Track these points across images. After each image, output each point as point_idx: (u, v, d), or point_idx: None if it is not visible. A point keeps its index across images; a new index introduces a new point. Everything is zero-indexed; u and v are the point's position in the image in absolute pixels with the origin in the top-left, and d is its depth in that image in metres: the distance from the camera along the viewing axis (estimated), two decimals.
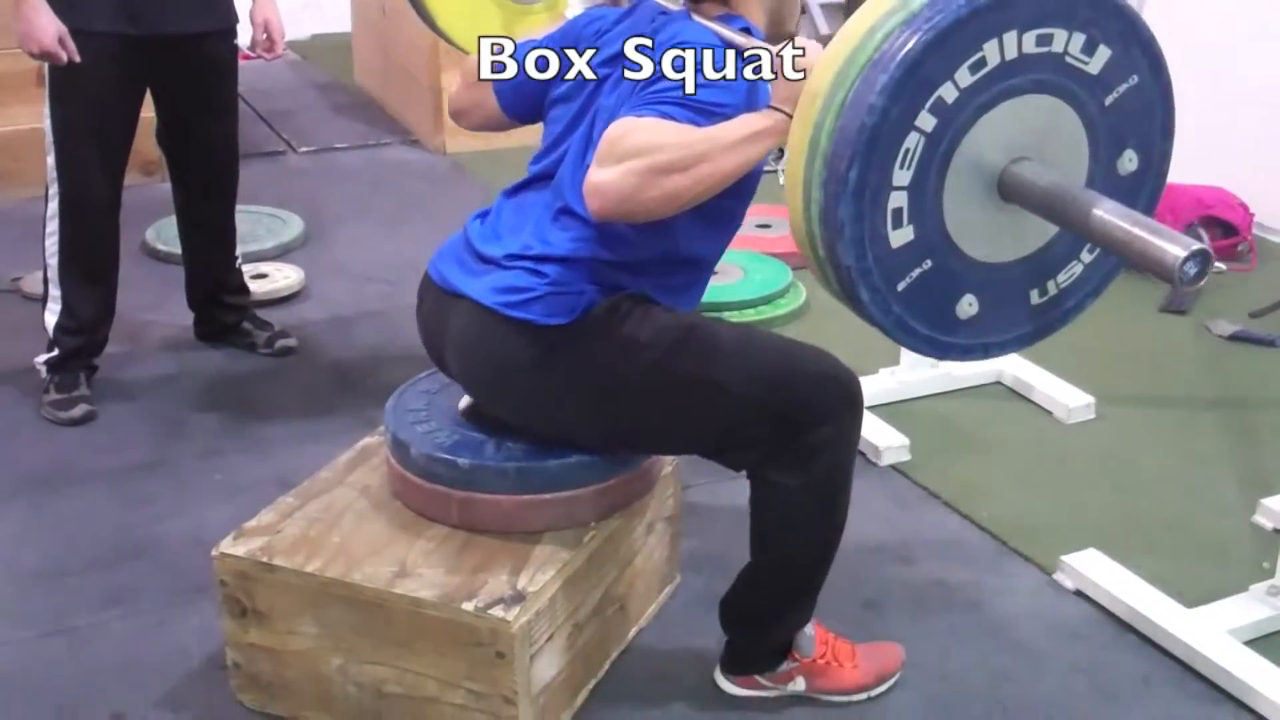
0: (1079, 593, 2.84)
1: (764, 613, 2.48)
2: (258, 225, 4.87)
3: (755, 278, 4.26)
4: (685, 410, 2.29)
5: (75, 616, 2.82)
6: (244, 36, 3.73)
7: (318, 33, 7.91)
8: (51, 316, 3.63)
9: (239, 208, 4.85)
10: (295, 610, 2.41)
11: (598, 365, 2.27)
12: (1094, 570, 2.85)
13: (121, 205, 3.64)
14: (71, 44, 3.30)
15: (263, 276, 4.40)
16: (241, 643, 2.49)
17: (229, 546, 2.45)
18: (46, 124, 3.48)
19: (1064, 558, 2.89)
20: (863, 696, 2.52)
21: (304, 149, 6.05)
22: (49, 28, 3.27)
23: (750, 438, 2.29)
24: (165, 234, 4.56)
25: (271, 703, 2.51)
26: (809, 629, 2.48)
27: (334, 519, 2.52)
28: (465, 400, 2.58)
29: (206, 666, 2.64)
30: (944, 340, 2.19)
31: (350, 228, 5.06)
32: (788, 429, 2.26)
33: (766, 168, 5.62)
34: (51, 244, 3.58)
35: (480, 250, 2.38)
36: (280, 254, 4.71)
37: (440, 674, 2.32)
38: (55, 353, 3.64)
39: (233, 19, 3.64)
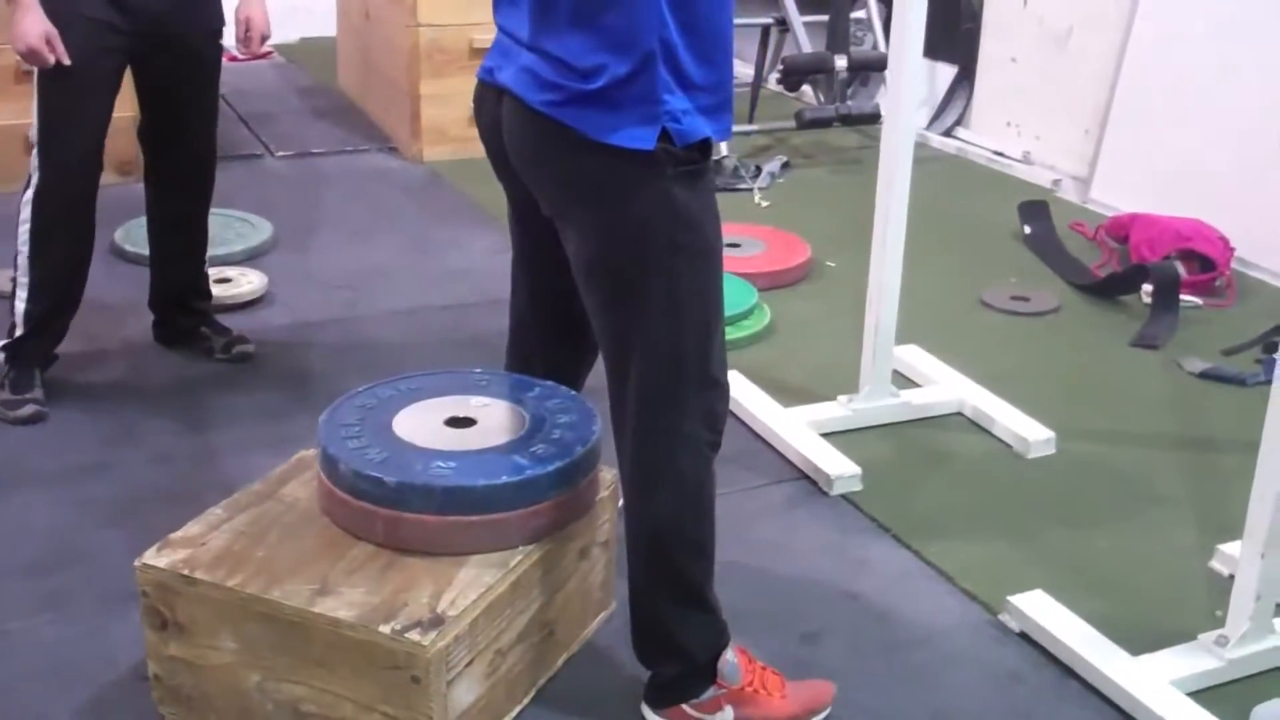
0: (1024, 635, 2.79)
1: (663, 630, 2.44)
2: (227, 229, 4.83)
3: None
4: (646, 300, 2.28)
5: (6, 620, 2.78)
6: (230, 37, 3.73)
7: (306, 36, 7.87)
8: (20, 304, 3.61)
9: (210, 210, 4.84)
10: (215, 625, 2.37)
11: (630, 199, 2.23)
12: (1039, 612, 2.80)
13: (94, 200, 3.62)
14: (60, 46, 3.33)
15: (226, 281, 4.36)
16: (162, 655, 2.45)
17: (151, 557, 2.41)
18: (34, 110, 3.48)
19: (1010, 598, 2.84)
20: None
21: (282, 153, 6.01)
22: (35, 27, 3.30)
23: (648, 379, 2.30)
24: (134, 235, 4.52)
25: (191, 716, 2.47)
26: (730, 655, 2.44)
27: (260, 533, 2.48)
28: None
29: (130, 677, 2.60)
30: None
31: (321, 234, 5.01)
32: (671, 398, 2.31)
33: (742, 185, 5.67)
34: (24, 231, 3.56)
35: (510, 31, 2.33)
36: (247, 258, 4.66)
37: (357, 696, 2.28)
38: (16, 335, 3.61)
39: (220, 20, 3.66)
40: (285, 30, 7.77)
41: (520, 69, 2.26)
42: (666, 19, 2.13)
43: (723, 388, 2.40)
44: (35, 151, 3.50)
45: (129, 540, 2.93)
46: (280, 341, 4.10)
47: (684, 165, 2.22)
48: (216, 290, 4.23)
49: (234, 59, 7.60)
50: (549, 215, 2.36)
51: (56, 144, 3.49)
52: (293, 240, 4.91)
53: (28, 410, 3.54)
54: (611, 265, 2.30)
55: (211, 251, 4.50)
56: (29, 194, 3.53)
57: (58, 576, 2.92)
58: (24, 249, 3.58)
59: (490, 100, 2.38)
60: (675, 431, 2.33)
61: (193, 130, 3.75)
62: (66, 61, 3.34)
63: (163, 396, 3.73)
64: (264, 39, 3.75)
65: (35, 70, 3.45)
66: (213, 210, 4.85)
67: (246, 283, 4.38)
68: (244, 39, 3.73)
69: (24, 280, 3.59)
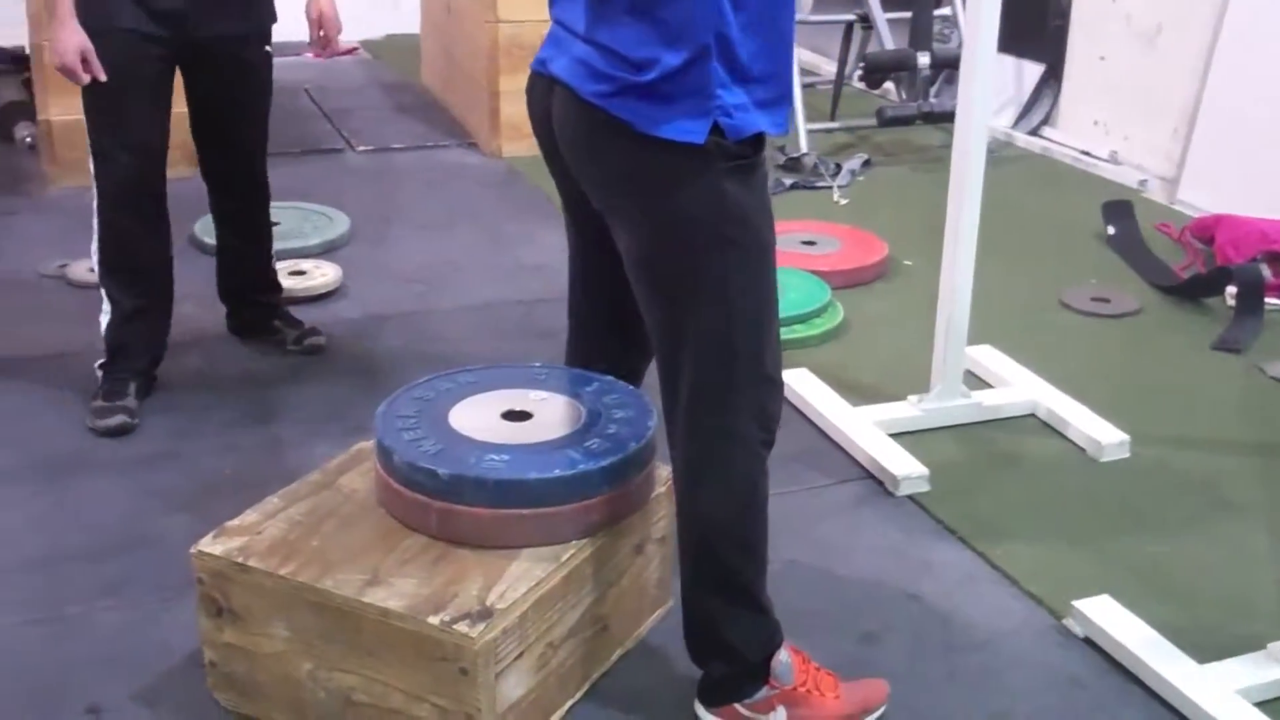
0: (1088, 640, 2.74)
1: (714, 629, 2.42)
2: (304, 222, 4.87)
3: (793, 295, 4.18)
4: (697, 296, 2.24)
5: (67, 605, 2.81)
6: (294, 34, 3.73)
7: (392, 32, 7.91)
8: (104, 317, 3.63)
9: (289, 204, 4.89)
10: (268, 613, 2.38)
11: (680, 194, 2.20)
12: (1105, 618, 2.74)
13: (163, 203, 3.62)
14: (96, 63, 3.31)
15: (301, 273, 4.39)
16: (217, 642, 2.46)
17: (207, 545, 2.43)
18: (87, 128, 3.49)
19: (1076, 603, 2.79)
20: None
21: (362, 148, 6.05)
22: (70, 42, 3.28)
23: (701, 376, 2.27)
24: (211, 227, 4.55)
25: (245, 703, 2.48)
26: (784, 655, 2.41)
27: (316, 523, 2.48)
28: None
29: (186, 664, 2.61)
30: None
31: (396, 228, 5.04)
32: (723, 396, 2.28)
33: (821, 183, 5.62)
34: (93, 247, 3.59)
35: (565, 22, 2.30)
36: (323, 251, 4.70)
37: (406, 686, 2.28)
38: (105, 359, 3.62)
39: (266, 22, 3.63)
40: (371, 27, 7.87)
41: (573, 60, 2.24)
42: (725, 13, 2.11)
43: (777, 385, 2.36)
44: (91, 164, 3.51)
45: (191, 528, 2.93)
46: (351, 334, 4.12)
47: (735, 159, 2.19)
48: (291, 282, 4.27)
49: (317, 56, 7.69)
50: (599, 209, 2.35)
51: (109, 156, 3.48)
52: (369, 234, 4.94)
53: (116, 420, 3.50)
54: (661, 261, 2.27)
55: (288, 244, 4.55)
56: (95, 204, 3.54)
57: (119, 562, 2.95)
58: (97, 265, 3.60)
59: (542, 91, 2.36)
60: (727, 429, 2.30)
61: (239, 134, 3.73)
62: (102, 78, 3.32)
63: (233, 387, 3.76)
64: (339, 34, 3.73)
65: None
66: (290, 204, 4.93)
67: (321, 275, 4.41)
68: (319, 39, 3.72)
69: (101, 293, 3.62)
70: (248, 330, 4.03)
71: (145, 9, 3.35)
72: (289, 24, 3.82)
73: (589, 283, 2.60)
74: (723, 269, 2.22)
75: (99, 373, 3.62)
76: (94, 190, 3.52)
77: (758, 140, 2.22)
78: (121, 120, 3.45)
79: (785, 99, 2.26)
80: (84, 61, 3.30)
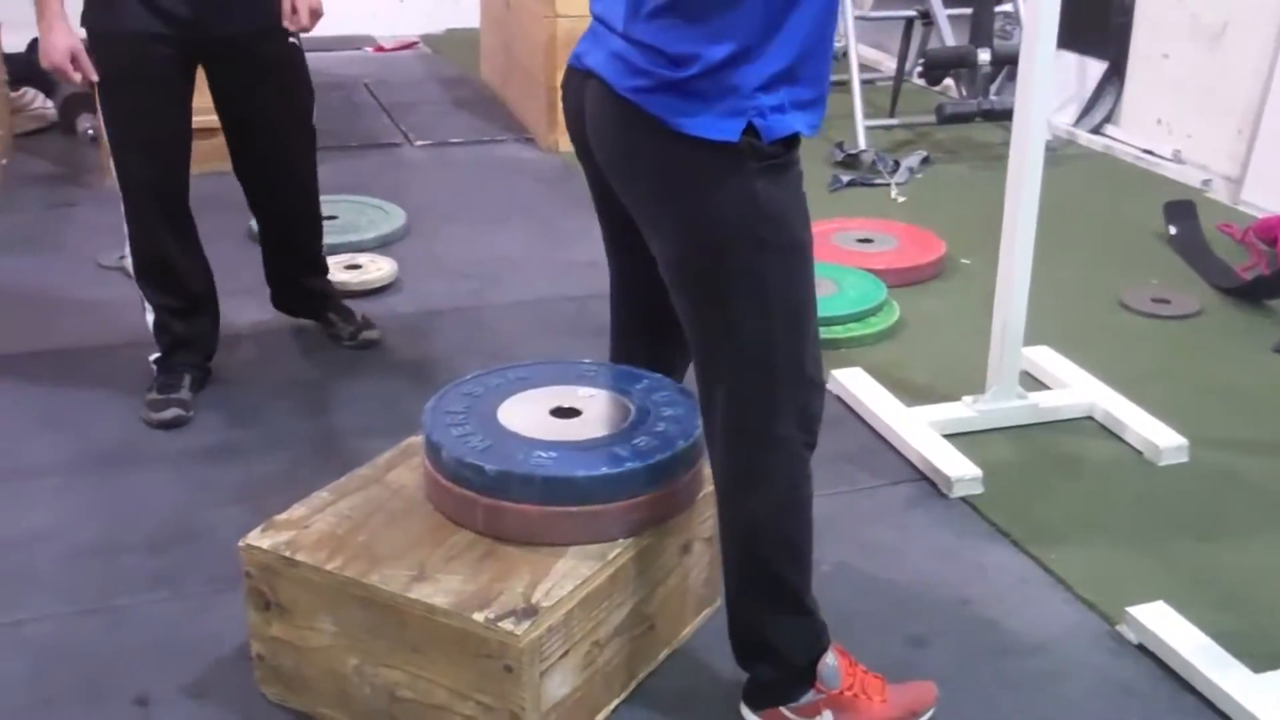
0: (1141, 647, 2.70)
1: (759, 633, 2.40)
2: (361, 216, 4.89)
3: (849, 294, 4.16)
4: (733, 300, 2.22)
5: (119, 595, 2.84)
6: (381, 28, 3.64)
7: (452, 27, 7.93)
8: (149, 316, 3.63)
9: (345, 198, 4.91)
10: (315, 607, 2.38)
11: (711, 195, 2.17)
12: (1160, 624, 2.70)
13: (187, 203, 3.60)
14: (86, 63, 3.27)
15: (357, 267, 4.40)
16: (265, 635, 2.47)
17: (255, 538, 2.43)
18: (106, 133, 3.49)
19: (1130, 609, 2.75)
20: None
21: (420, 142, 6.06)
22: (59, 44, 3.24)
23: (740, 379, 2.25)
24: None
25: (292, 696, 2.49)
26: (831, 658, 2.38)
27: (364, 517, 2.48)
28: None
29: (235, 656, 2.63)
30: None
31: (452, 223, 5.04)
32: (764, 400, 2.25)
33: (879, 180, 5.58)
34: (128, 251, 3.59)
35: (605, 19, 2.27)
36: (379, 246, 4.70)
37: (451, 683, 2.27)
38: (158, 353, 3.65)
39: (279, 16, 3.43)
40: (432, 21, 7.89)
41: (611, 55, 2.22)
42: (767, 15, 2.09)
43: (818, 386, 2.32)
44: (113, 168, 3.49)
45: (242, 521, 2.95)
46: (405, 329, 4.12)
47: (769, 159, 2.15)
48: (346, 276, 4.28)
49: (380, 50, 7.74)
50: (628, 207, 2.32)
51: (129, 160, 3.46)
52: (424, 228, 4.95)
53: (170, 414, 3.50)
54: (695, 263, 2.24)
55: (344, 238, 4.57)
56: (124, 207, 3.52)
57: (170, 554, 2.97)
58: (133, 269, 3.61)
59: (576, 85, 2.34)
60: (769, 433, 2.27)
61: (266, 133, 3.66)
62: (94, 77, 3.29)
63: (287, 380, 3.78)
64: (315, 14, 3.45)
65: (96, 89, 3.40)
66: (347, 198, 4.94)
67: (376, 269, 4.41)
68: (290, 16, 3.43)
69: (145, 299, 3.62)
70: (294, 306, 4.03)
71: (149, 8, 3.29)
72: (348, 19, 3.79)
73: (624, 281, 2.58)
74: (759, 271, 2.19)
75: (153, 366, 3.65)
76: (123, 198, 3.51)
77: (792, 139, 2.19)
78: (137, 120, 3.42)
79: (822, 100, 2.23)
80: (74, 61, 3.26)
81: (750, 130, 2.12)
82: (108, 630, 2.73)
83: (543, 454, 2.40)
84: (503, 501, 2.37)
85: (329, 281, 4.05)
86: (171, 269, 3.60)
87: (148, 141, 3.45)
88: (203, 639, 2.69)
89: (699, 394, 2.35)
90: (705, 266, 2.22)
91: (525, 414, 2.55)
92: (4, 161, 5.41)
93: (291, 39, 3.54)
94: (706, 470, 2.56)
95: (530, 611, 2.21)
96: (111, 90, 3.38)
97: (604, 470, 2.37)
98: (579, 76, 2.32)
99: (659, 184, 2.23)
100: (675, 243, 2.25)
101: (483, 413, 2.55)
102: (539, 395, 2.63)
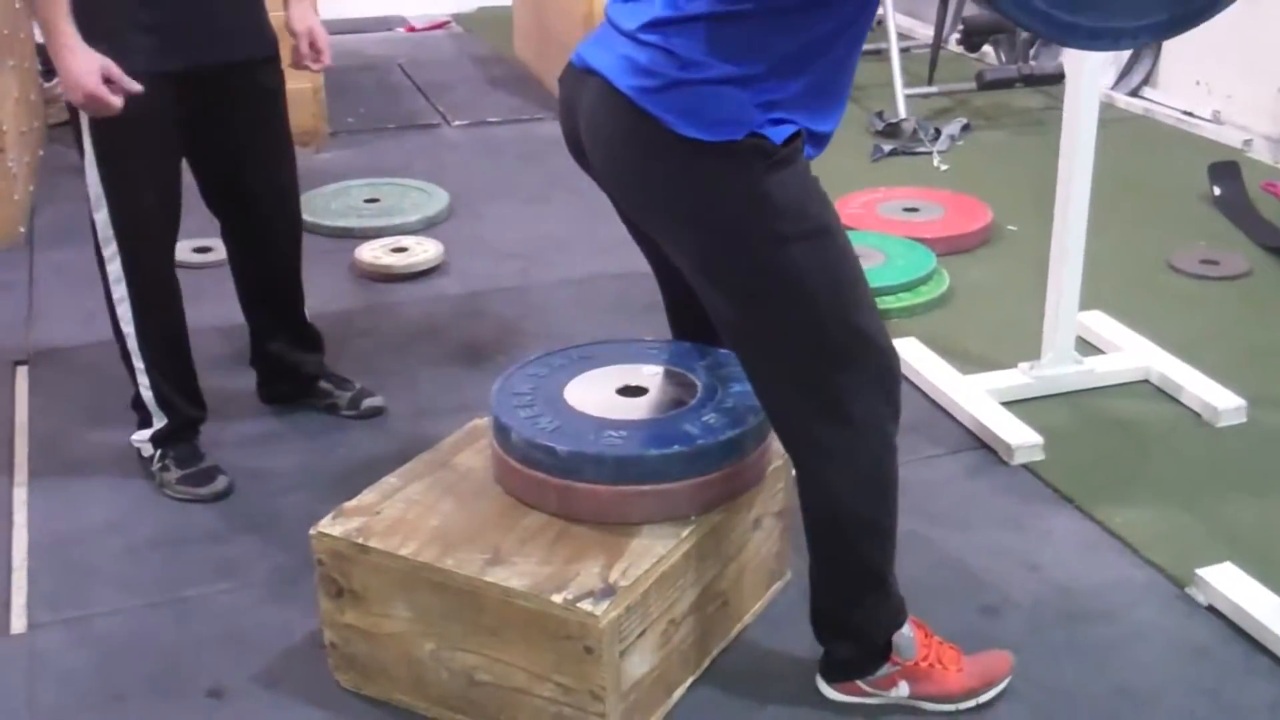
0: (1211, 609, 2.70)
1: (841, 612, 2.40)
2: (404, 198, 4.89)
3: (898, 263, 4.15)
4: (770, 298, 2.18)
5: (185, 587, 2.85)
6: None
7: (483, 5, 7.93)
8: (147, 391, 3.17)
9: (388, 180, 4.91)
10: (389, 593, 2.39)
11: (719, 200, 2.14)
12: (1229, 586, 2.70)
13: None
14: (121, 75, 2.79)
15: (403, 250, 4.40)
16: (338, 623, 2.47)
17: (327, 526, 2.44)
18: (93, 179, 2.98)
19: (1199, 571, 2.74)
20: (970, 703, 2.43)
21: (458, 122, 6.05)
22: (84, 67, 2.75)
23: (800, 370, 2.22)
24: (315, 207, 4.57)
25: (366, 684, 2.50)
26: (907, 630, 2.39)
27: (434, 502, 2.49)
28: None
29: (307, 644, 2.64)
30: (1064, 20, 1.98)
31: (496, 202, 5.04)
32: (834, 385, 2.22)
33: (921, 149, 5.55)
34: (124, 311, 3.10)
35: (617, 23, 2.22)
36: (423, 228, 4.70)
37: (529, 665, 2.28)
38: (165, 423, 3.20)
39: (275, 44, 3.15)
40: (462, 0, 7.89)
41: (617, 55, 2.16)
42: (790, 56, 2.08)
43: (888, 353, 2.26)
44: (106, 221, 3.01)
45: (304, 508, 2.97)
46: (454, 311, 4.13)
47: (775, 156, 2.11)
48: (393, 259, 4.29)
49: (412, 29, 7.73)
50: (638, 222, 2.30)
51: (130, 213, 3.02)
52: (468, 209, 4.94)
53: (222, 483, 3.17)
54: (719, 273, 2.20)
55: (390, 220, 4.58)
56: (115, 268, 3.06)
57: (235, 545, 2.98)
58: (129, 329, 3.12)
59: (572, 82, 2.29)
60: (846, 415, 2.23)
61: (267, 174, 3.26)
62: (136, 88, 2.81)
63: (341, 365, 3.76)
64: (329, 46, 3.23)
65: (88, 135, 2.93)
66: (389, 180, 4.92)
67: (422, 252, 4.41)
68: (310, 53, 3.19)
69: (141, 366, 3.14)
70: (287, 398, 3.56)
71: (157, 43, 2.90)
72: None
73: (657, 262, 2.54)
74: (788, 266, 2.14)
75: (147, 446, 3.23)
76: (110, 251, 3.05)
77: (795, 136, 2.14)
78: (143, 164, 3.00)
79: (829, 136, 2.21)
80: (108, 82, 2.78)
81: (753, 132, 2.09)
82: (176, 622, 2.74)
83: (613, 434, 2.40)
84: (575, 482, 2.37)
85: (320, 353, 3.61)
86: (178, 325, 3.24)
87: (158, 194, 3.07)
88: (272, 628, 2.70)
89: (759, 398, 2.32)
90: (732, 273, 2.18)
91: (592, 394, 2.55)
92: (41, 153, 5.40)
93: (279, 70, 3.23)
94: (776, 445, 2.55)
95: (609, 591, 2.21)
96: (117, 136, 2.93)
97: (676, 448, 2.36)
98: (578, 74, 2.27)
99: (666, 196, 2.18)
100: (693, 255, 2.22)
101: (549, 394, 2.55)
102: (604, 374, 2.63)
